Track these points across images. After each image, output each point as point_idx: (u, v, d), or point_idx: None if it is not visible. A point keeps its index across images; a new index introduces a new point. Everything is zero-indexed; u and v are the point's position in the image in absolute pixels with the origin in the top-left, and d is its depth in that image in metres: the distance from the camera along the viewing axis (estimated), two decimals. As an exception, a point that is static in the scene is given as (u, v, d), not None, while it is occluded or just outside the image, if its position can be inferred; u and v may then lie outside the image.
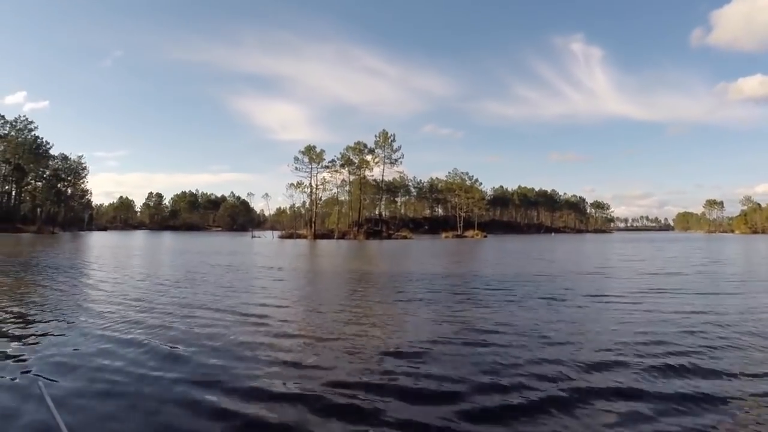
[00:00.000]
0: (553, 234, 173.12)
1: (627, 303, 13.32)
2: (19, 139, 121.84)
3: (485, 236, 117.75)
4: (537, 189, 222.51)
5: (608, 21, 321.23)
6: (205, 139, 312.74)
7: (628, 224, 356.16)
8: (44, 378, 6.52)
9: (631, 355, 7.77)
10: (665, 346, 8.35)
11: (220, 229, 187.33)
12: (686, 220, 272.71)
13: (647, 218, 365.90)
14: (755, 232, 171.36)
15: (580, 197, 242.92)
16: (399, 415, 5.52)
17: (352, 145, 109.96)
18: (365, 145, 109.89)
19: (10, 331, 9.58)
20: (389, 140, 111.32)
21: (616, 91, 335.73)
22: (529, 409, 5.65)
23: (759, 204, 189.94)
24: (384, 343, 8.88)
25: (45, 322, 10.54)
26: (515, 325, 10.29)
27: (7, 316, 11.23)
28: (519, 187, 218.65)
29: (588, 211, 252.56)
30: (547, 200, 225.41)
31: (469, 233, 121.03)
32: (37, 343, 8.68)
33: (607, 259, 33.80)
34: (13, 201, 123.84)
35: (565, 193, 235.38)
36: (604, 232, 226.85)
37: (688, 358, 7.62)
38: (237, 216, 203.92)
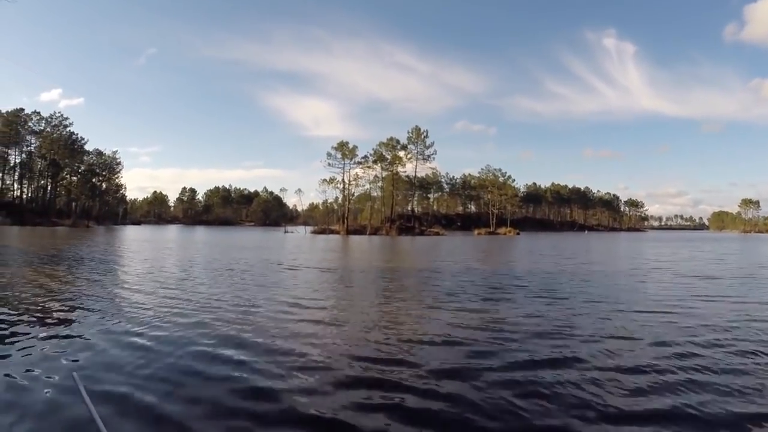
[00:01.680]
0: (586, 232, 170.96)
1: (665, 312, 11.76)
2: (55, 135, 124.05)
3: (518, 233, 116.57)
4: (570, 186, 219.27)
5: (640, 16, 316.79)
6: (238, 135, 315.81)
7: (662, 223, 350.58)
8: (79, 370, 6.47)
9: (670, 374, 6.75)
10: (698, 360, 7.44)
11: (252, 224, 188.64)
12: (721, 220, 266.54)
13: (681, 217, 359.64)
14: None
15: (614, 195, 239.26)
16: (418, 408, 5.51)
17: (384, 140, 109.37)
18: (398, 141, 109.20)
19: (46, 323, 9.54)
20: (422, 136, 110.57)
21: (649, 87, 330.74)
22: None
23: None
24: (414, 339, 8.71)
25: (81, 314, 10.53)
26: (542, 327, 9.75)
27: (43, 307, 11.19)
28: (552, 184, 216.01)
29: (622, 209, 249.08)
30: (581, 198, 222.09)
31: (502, 230, 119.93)
32: (72, 334, 8.66)
33: (645, 259, 31.89)
34: (48, 195, 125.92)
35: (598, 191, 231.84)
36: (637, 230, 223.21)
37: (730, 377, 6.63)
38: (270, 211, 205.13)
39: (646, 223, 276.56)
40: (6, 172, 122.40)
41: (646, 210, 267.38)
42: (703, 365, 7.08)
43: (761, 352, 7.89)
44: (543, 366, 7.04)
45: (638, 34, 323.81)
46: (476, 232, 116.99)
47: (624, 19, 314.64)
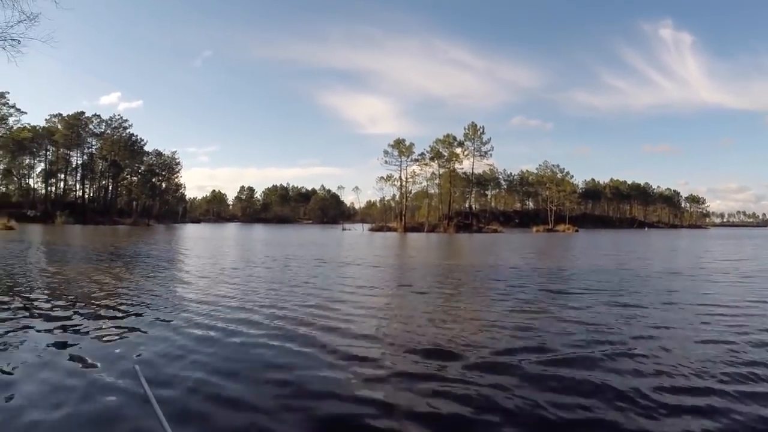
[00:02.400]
0: (646, 229, 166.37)
1: (735, 315, 10.59)
2: (115, 137, 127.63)
3: (576, 231, 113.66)
4: (630, 182, 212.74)
5: (697, 5, 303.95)
6: (294, 133, 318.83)
7: (724, 219, 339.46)
8: (140, 363, 6.52)
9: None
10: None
11: (310, 221, 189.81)
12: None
13: (744, 213, 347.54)
14: None
15: (674, 191, 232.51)
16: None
17: (440, 137, 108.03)
18: (454, 138, 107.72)
19: (107, 317, 9.74)
20: (478, 132, 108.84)
21: (709, 79, 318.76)
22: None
23: None
24: (470, 340, 8.26)
25: (141, 308, 10.65)
26: (601, 331, 8.98)
27: (105, 302, 11.40)
28: (611, 179, 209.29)
29: (682, 205, 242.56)
30: (640, 194, 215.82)
31: (561, 227, 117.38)
32: (133, 328, 8.76)
33: (713, 258, 29.09)
34: (110, 195, 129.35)
35: (658, 187, 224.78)
36: (699, 227, 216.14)
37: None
38: (327, 209, 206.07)
39: (707, 219, 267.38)
40: (69, 173, 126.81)
41: (707, 206, 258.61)
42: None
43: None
44: (594, 363, 6.87)
45: (695, 24, 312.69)
46: (534, 229, 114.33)
47: (680, 9, 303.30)
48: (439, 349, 7.57)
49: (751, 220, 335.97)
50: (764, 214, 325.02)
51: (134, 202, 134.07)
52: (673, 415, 5.08)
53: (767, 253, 35.46)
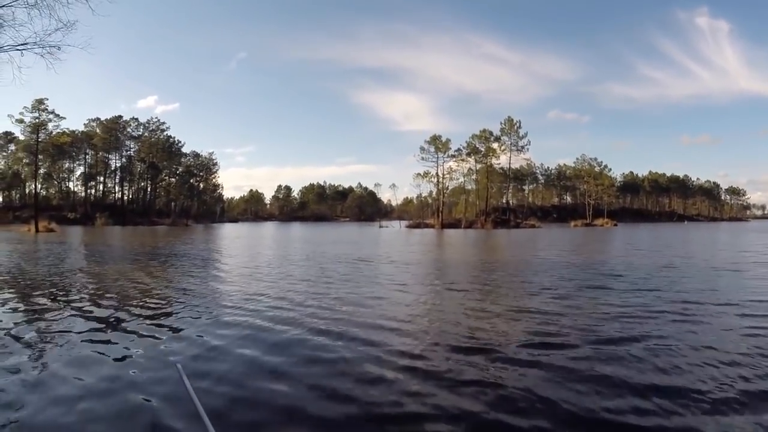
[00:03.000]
0: (686, 222, 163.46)
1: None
2: (152, 139, 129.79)
3: (615, 224, 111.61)
4: (668, 174, 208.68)
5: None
6: (330, 132, 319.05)
7: (765, 211, 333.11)
8: (182, 361, 6.62)
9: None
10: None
11: (347, 219, 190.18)
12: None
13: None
14: None
15: (714, 183, 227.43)
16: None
17: (476, 133, 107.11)
18: (491, 133, 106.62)
19: (148, 316, 9.87)
20: (515, 127, 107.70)
21: (747, 67, 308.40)
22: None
23: None
24: (504, 332, 8.54)
25: (180, 307, 10.83)
26: (631, 328, 8.78)
27: (145, 301, 11.60)
28: (650, 172, 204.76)
29: (722, 197, 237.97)
30: (680, 186, 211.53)
31: (599, 221, 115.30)
32: (173, 327, 8.93)
33: (753, 251, 28.26)
34: (148, 196, 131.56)
35: (698, 179, 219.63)
36: (740, 220, 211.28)
37: None
38: (364, 206, 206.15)
39: (748, 212, 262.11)
40: (108, 175, 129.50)
41: (747, 198, 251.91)
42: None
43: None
44: (625, 360, 6.80)
45: (732, 11, 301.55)
46: (572, 223, 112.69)
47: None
48: (472, 345, 7.61)
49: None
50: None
51: (173, 203, 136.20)
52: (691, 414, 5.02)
53: None
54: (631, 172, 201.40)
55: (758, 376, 6.07)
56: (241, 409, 5.14)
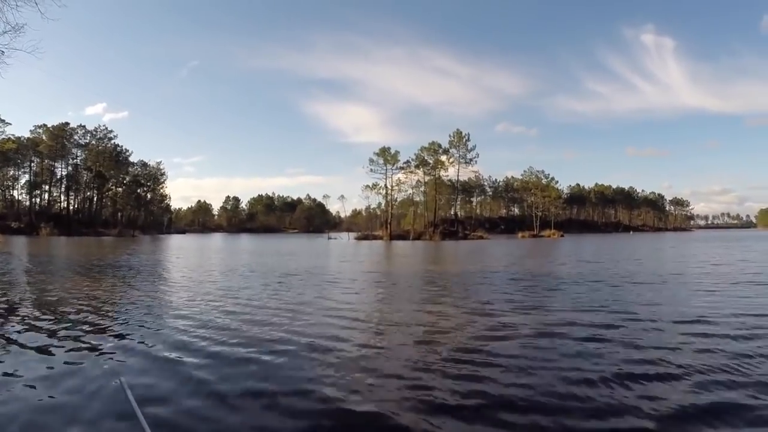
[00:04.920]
0: (631, 233, 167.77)
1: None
2: (100, 148, 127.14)
3: (562, 235, 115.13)
4: (614, 186, 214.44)
5: (678, 10, 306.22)
6: (280, 143, 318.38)
7: (708, 222, 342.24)
8: (126, 375, 6.43)
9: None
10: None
11: (296, 231, 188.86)
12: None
13: (728, 215, 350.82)
14: None
15: (658, 194, 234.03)
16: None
17: (426, 145, 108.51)
18: (439, 145, 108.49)
19: (94, 330, 9.65)
20: (463, 140, 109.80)
21: (691, 83, 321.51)
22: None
23: None
24: (454, 344, 8.56)
25: (127, 321, 10.60)
26: (580, 335, 9.13)
27: (90, 314, 11.31)
28: (596, 184, 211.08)
29: (667, 208, 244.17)
30: (625, 198, 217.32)
31: (546, 233, 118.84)
32: (121, 341, 8.77)
33: (698, 262, 28.91)
34: (94, 206, 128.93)
35: (643, 191, 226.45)
36: (684, 230, 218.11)
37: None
38: (313, 218, 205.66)
39: (691, 222, 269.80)
40: (53, 184, 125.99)
41: (691, 209, 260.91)
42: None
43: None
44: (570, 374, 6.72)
45: (677, 29, 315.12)
46: (520, 235, 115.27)
47: (662, 13, 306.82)
48: (419, 356, 7.70)
49: (735, 221, 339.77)
50: (748, 216, 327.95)
51: (119, 213, 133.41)
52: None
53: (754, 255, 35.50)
54: (578, 184, 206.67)
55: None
56: (188, 426, 5.07)
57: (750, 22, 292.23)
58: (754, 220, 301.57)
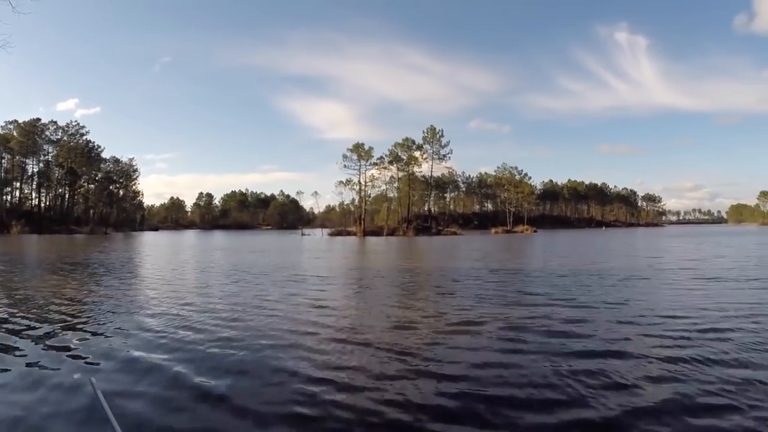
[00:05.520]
0: (604, 228, 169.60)
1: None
2: (71, 144, 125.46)
3: (535, 231, 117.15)
4: (587, 182, 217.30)
5: (651, 9, 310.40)
6: (253, 139, 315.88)
7: (680, 217, 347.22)
8: (97, 375, 6.46)
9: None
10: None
11: (269, 227, 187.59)
12: (740, 212, 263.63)
13: (699, 211, 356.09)
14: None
15: (630, 190, 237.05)
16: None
17: (399, 141, 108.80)
18: (413, 142, 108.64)
19: (64, 329, 9.63)
20: (437, 136, 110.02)
21: (664, 81, 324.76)
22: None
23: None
24: (420, 342, 8.70)
25: (101, 320, 10.54)
26: (549, 329, 9.46)
27: (61, 314, 11.27)
28: (569, 180, 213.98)
29: (639, 204, 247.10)
30: (598, 194, 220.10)
31: (519, 228, 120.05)
32: (91, 340, 8.69)
33: (668, 257, 29.85)
34: (66, 203, 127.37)
35: (615, 186, 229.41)
36: (656, 225, 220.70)
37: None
38: (287, 214, 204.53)
39: (663, 218, 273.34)
40: (24, 181, 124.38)
41: (663, 205, 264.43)
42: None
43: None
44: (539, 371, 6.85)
45: (650, 27, 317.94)
46: (493, 230, 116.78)
47: (635, 12, 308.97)
48: (392, 353, 7.82)
49: (706, 217, 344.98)
50: (719, 212, 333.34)
51: (91, 210, 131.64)
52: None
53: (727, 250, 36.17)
54: (551, 180, 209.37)
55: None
56: (160, 425, 5.06)
57: (722, 22, 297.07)
58: (725, 216, 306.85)
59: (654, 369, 6.83)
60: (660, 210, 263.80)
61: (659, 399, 5.68)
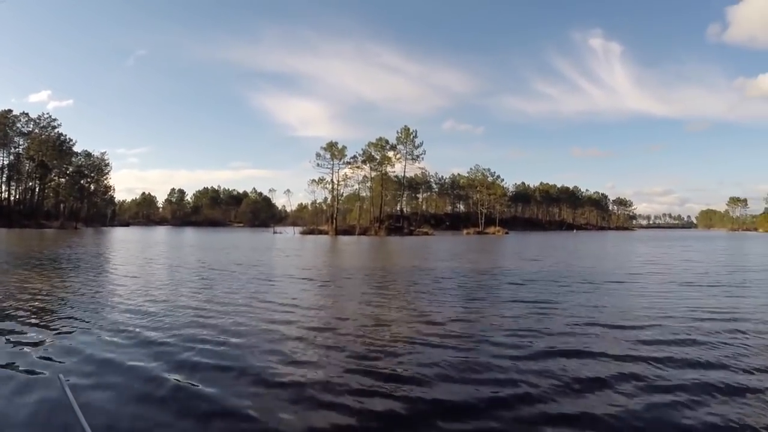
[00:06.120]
0: (575, 231, 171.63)
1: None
2: (43, 137, 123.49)
3: (506, 233, 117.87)
4: (559, 185, 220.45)
5: (626, 16, 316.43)
6: (226, 136, 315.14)
7: (650, 221, 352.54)
8: (65, 372, 6.41)
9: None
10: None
11: (241, 225, 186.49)
12: (709, 218, 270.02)
13: (669, 215, 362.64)
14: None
15: (602, 194, 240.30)
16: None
17: (373, 141, 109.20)
18: (387, 141, 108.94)
19: (32, 325, 9.63)
20: (411, 136, 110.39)
21: (636, 87, 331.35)
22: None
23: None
24: (396, 340, 8.93)
25: (68, 316, 10.55)
26: (513, 329, 9.88)
27: (29, 310, 11.25)
28: (541, 183, 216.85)
29: (610, 208, 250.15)
30: (569, 197, 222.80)
31: (491, 230, 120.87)
32: (59, 336, 8.68)
33: (642, 262, 30.07)
34: (36, 197, 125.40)
35: (587, 190, 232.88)
36: (626, 229, 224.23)
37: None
38: (259, 212, 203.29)
39: (634, 221, 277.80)
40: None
41: (634, 209, 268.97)
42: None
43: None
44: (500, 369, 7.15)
45: (624, 34, 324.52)
46: (465, 231, 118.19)
47: (610, 19, 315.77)
48: (364, 354, 7.90)
49: (676, 222, 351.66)
50: (689, 216, 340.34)
51: (62, 205, 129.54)
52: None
53: (695, 255, 38.00)
54: (523, 183, 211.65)
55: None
56: (127, 421, 5.14)
57: (695, 31, 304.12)
58: (694, 221, 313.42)
59: (613, 368, 7.15)
60: (631, 214, 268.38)
61: (620, 399, 5.97)
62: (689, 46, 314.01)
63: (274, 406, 5.64)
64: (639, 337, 9.28)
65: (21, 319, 10.22)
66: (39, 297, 13.19)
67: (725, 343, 8.65)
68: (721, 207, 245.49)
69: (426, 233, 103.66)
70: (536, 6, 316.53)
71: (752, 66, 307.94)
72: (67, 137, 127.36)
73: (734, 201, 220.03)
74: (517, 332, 9.52)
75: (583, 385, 6.43)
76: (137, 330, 9.27)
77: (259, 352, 7.94)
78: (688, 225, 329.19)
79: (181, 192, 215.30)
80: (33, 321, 10.05)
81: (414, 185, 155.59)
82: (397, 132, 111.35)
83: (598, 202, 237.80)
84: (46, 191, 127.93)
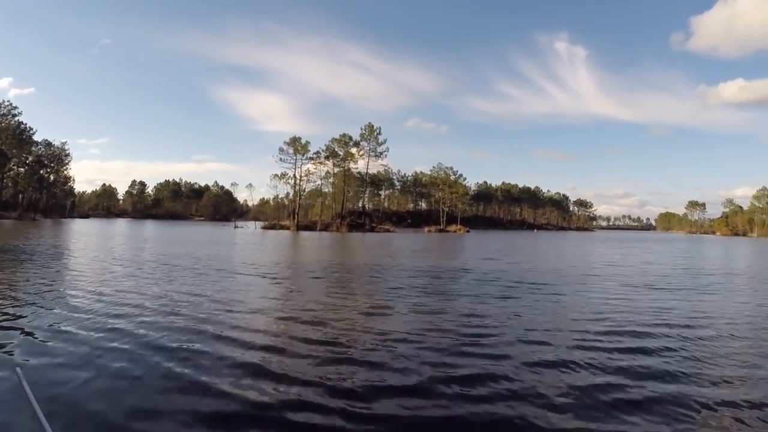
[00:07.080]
0: (535, 231, 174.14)
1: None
2: (2, 125, 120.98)
3: (468, 231, 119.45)
4: (521, 185, 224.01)
5: (592, 21, 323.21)
6: (188, 128, 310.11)
7: (610, 223, 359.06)
8: (23, 365, 6.56)
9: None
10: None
11: (202, 218, 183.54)
12: (668, 221, 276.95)
13: (629, 217, 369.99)
14: (736, 234, 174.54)
15: (563, 195, 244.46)
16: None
17: (337, 137, 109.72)
18: (350, 138, 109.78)
19: None
20: (375, 133, 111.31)
21: (600, 91, 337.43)
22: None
23: (741, 207, 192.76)
24: (354, 337, 9.12)
25: (24, 310, 10.50)
26: (473, 327, 10.17)
27: None
28: (503, 183, 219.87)
29: (571, 209, 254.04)
30: (531, 197, 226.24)
31: (452, 228, 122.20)
32: (15, 330, 8.65)
33: (604, 263, 30.94)
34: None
35: (548, 191, 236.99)
36: (586, 230, 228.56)
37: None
38: (220, 206, 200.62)
39: (594, 222, 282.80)
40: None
41: (594, 210, 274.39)
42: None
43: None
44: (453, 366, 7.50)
45: (590, 39, 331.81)
46: (426, 229, 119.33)
47: (576, 23, 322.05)
48: (323, 352, 8.01)
49: (636, 224, 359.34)
50: (648, 219, 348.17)
51: (20, 195, 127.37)
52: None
53: (654, 257, 39.12)
54: (486, 182, 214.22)
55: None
56: (85, 416, 5.14)
57: (659, 38, 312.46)
58: (653, 223, 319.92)
59: (564, 366, 7.57)
60: (591, 215, 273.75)
61: (570, 394, 6.31)
62: (653, 53, 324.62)
63: (220, 403, 5.75)
64: (586, 328, 10.25)
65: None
66: (-1, 290, 13.10)
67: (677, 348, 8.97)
68: (680, 210, 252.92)
69: (387, 230, 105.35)
70: (503, 9, 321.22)
71: (714, 74, 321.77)
72: (28, 126, 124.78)
73: (693, 205, 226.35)
74: (467, 322, 10.48)
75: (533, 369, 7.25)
76: (93, 323, 9.33)
77: (213, 348, 8.01)
78: (647, 227, 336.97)
79: (142, 184, 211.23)
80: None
81: (376, 182, 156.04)
82: (361, 129, 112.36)
83: (559, 203, 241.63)
84: (5, 181, 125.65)
